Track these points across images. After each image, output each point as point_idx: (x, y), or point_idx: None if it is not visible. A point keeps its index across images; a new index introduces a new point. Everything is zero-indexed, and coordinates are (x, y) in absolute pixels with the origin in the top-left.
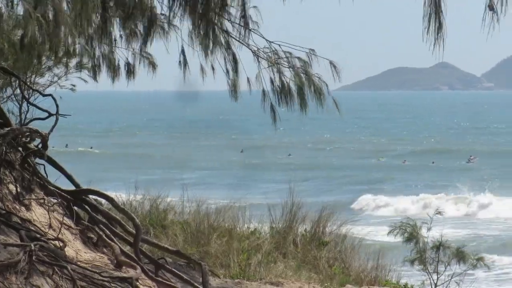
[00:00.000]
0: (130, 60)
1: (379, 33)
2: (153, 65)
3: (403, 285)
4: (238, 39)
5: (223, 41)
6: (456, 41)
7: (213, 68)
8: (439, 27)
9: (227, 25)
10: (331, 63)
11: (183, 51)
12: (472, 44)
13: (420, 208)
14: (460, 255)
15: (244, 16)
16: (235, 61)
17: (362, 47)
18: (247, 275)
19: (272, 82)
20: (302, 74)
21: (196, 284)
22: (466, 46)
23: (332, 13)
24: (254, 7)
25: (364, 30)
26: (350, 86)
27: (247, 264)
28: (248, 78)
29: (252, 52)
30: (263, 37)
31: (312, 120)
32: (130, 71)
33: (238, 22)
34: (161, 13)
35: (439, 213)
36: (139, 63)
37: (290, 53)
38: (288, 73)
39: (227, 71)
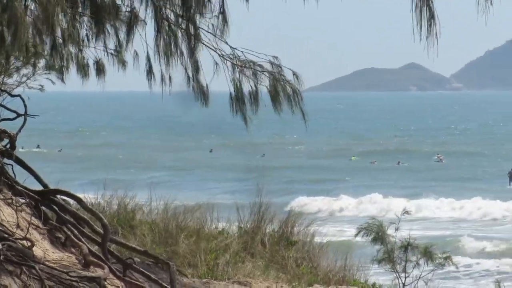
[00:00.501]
0: (99, 59)
1: (348, 33)
2: (123, 63)
3: (371, 285)
4: (212, 46)
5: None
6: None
7: (170, 78)
8: (432, 18)
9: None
10: (294, 73)
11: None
12: (441, 45)
13: (379, 210)
14: (428, 255)
15: (223, 12)
16: (196, 67)
17: (331, 47)
18: (215, 274)
19: (237, 85)
20: (280, 83)
21: (164, 283)
22: (435, 46)
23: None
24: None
25: (331, 30)
26: (318, 87)
27: (215, 264)
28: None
29: (220, 56)
30: (227, 44)
31: (283, 120)
32: (100, 69)
33: (214, 25)
34: (126, 11)
35: (407, 212)
36: (109, 61)
37: (253, 62)
38: (263, 79)
39: (192, 77)
